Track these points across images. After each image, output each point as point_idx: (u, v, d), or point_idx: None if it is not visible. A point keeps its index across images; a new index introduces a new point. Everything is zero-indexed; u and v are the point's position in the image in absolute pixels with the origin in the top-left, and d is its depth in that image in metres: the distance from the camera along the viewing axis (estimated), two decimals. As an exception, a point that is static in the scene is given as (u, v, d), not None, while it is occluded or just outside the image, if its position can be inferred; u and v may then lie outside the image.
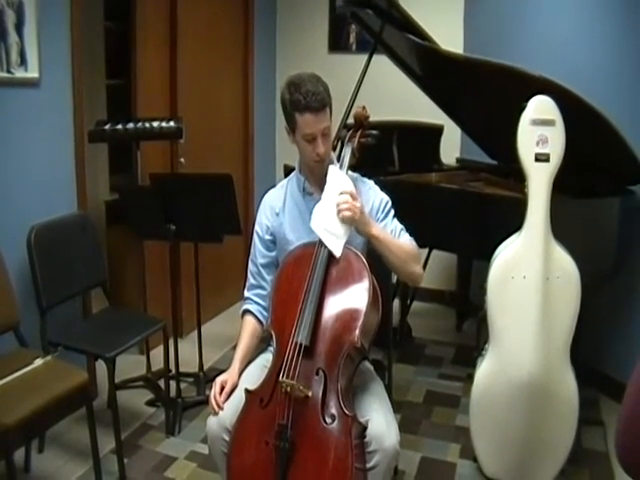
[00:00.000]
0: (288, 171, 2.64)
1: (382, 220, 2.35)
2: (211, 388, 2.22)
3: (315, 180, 2.36)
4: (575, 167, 2.77)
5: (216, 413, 2.15)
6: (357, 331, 2.07)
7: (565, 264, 2.72)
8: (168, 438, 3.28)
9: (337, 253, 2.16)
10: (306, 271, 2.16)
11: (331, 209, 2.18)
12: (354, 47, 5.32)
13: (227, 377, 2.23)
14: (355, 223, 2.17)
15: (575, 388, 2.77)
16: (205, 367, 3.84)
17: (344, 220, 2.16)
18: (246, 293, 2.45)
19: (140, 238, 3.83)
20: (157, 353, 3.63)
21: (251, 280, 2.45)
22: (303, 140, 2.25)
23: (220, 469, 2.19)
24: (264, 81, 5.42)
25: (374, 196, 2.40)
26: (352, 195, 2.18)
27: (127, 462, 2.99)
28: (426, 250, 4.30)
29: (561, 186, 2.75)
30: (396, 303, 4.17)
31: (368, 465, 2.03)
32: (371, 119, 2.43)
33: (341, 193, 2.17)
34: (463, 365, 4.02)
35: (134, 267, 4.08)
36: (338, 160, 2.38)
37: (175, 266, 3.61)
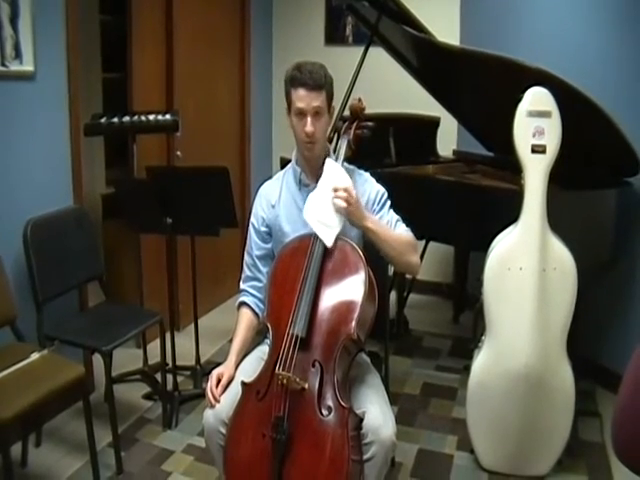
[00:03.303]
0: (284, 164, 2.64)
1: (378, 212, 2.35)
2: (208, 381, 2.22)
3: (311, 172, 2.36)
4: (572, 159, 2.77)
5: (213, 406, 2.15)
6: (353, 323, 2.07)
7: (562, 256, 2.72)
8: (165, 431, 3.29)
9: (329, 243, 2.15)
10: (302, 263, 2.15)
11: (324, 200, 2.17)
12: (350, 39, 5.31)
13: (223, 370, 2.23)
14: (350, 215, 2.17)
15: (571, 379, 2.78)
16: (202, 360, 3.84)
17: (339, 211, 2.16)
18: (242, 285, 2.45)
19: (136, 232, 3.83)
20: (154, 346, 3.63)
21: (247, 272, 2.45)
22: (294, 116, 2.26)
23: (217, 462, 2.19)
24: (261, 74, 5.41)
25: (370, 188, 2.40)
26: (348, 189, 2.18)
27: (124, 455, 3.00)
28: (423, 242, 4.30)
29: (557, 178, 2.75)
30: (393, 295, 4.17)
31: (365, 457, 2.04)
32: (368, 112, 2.44)
33: (336, 188, 2.17)
34: (460, 357, 4.03)
35: (130, 261, 4.07)
36: (334, 152, 2.38)
37: (172, 259, 3.61)
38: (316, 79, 2.21)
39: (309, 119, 2.23)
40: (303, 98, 2.22)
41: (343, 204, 2.14)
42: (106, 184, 4.72)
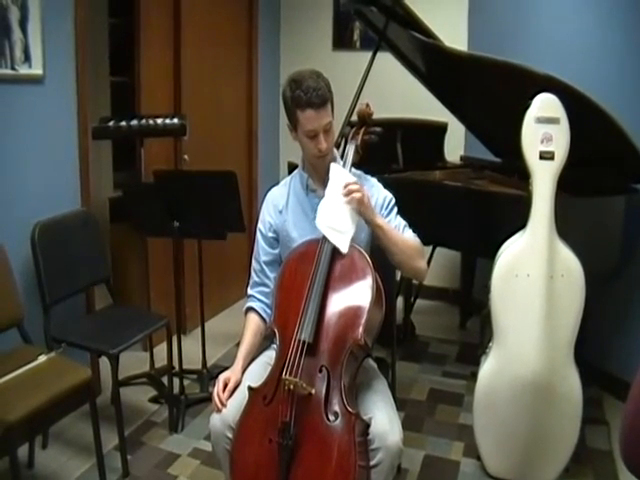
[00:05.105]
0: (292, 168, 2.64)
1: (386, 217, 2.34)
2: (214, 385, 2.22)
3: (318, 177, 2.36)
4: (580, 165, 2.76)
5: (219, 410, 2.14)
6: (360, 328, 2.06)
7: (569, 262, 2.71)
8: (171, 435, 3.29)
9: (344, 249, 2.15)
10: (309, 268, 2.15)
11: (335, 205, 2.17)
12: (358, 44, 5.32)
13: (230, 374, 2.23)
14: (363, 208, 2.17)
15: (579, 387, 2.77)
16: (208, 364, 3.85)
17: (352, 203, 2.15)
18: (249, 291, 2.45)
19: (144, 235, 3.83)
20: (160, 350, 3.63)
21: (254, 278, 2.45)
22: (305, 136, 2.24)
23: (223, 466, 2.19)
24: (268, 78, 5.42)
25: (377, 193, 2.40)
26: (357, 183, 2.19)
27: (130, 459, 3.00)
28: (430, 248, 4.29)
29: (566, 184, 2.74)
30: (400, 301, 4.16)
31: (371, 463, 2.03)
32: (375, 117, 2.43)
33: (347, 183, 2.17)
34: (467, 363, 4.02)
35: (137, 264, 4.08)
36: (342, 157, 2.37)
37: (178, 263, 3.61)
38: (321, 95, 2.18)
39: (321, 137, 2.22)
40: (313, 119, 2.19)
41: (358, 195, 2.14)
42: (114, 187, 4.74)
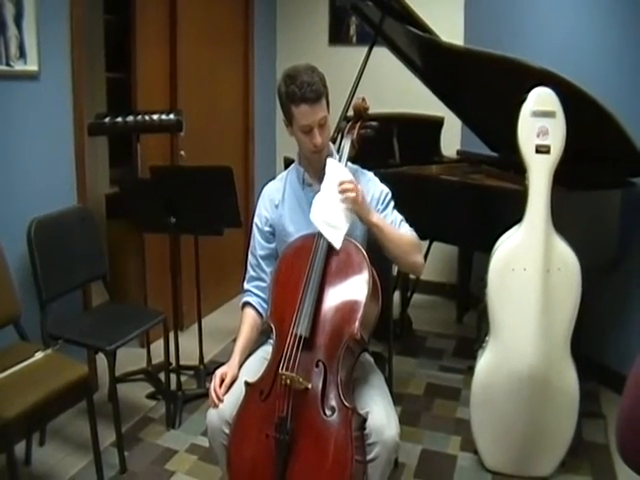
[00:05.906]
0: (288, 163, 2.64)
1: (382, 211, 2.34)
2: (211, 381, 2.22)
3: (314, 171, 2.35)
4: (576, 159, 2.76)
5: (216, 406, 2.14)
6: (357, 323, 2.06)
7: (566, 256, 2.72)
8: (168, 431, 3.29)
9: (337, 245, 2.15)
10: (306, 263, 2.15)
11: (330, 201, 2.17)
12: (354, 39, 5.31)
13: (227, 370, 2.23)
14: (357, 207, 2.17)
15: (575, 380, 2.77)
16: (205, 360, 3.85)
17: (346, 202, 2.15)
18: (246, 285, 2.45)
19: (140, 231, 3.83)
20: (157, 346, 3.63)
21: (251, 272, 2.45)
22: (300, 131, 2.24)
23: (220, 462, 2.19)
24: (264, 74, 5.41)
25: (374, 188, 2.39)
26: (353, 181, 2.18)
27: (128, 455, 3.00)
28: (427, 242, 4.30)
29: (562, 178, 2.74)
30: (396, 295, 4.17)
31: (368, 457, 2.03)
32: (372, 111, 2.43)
33: (342, 181, 2.17)
34: (464, 357, 4.02)
35: (134, 260, 4.08)
36: (338, 152, 2.37)
37: (175, 259, 3.61)
38: (316, 90, 2.17)
39: (316, 131, 2.22)
40: (308, 115, 2.19)
41: (352, 194, 2.14)
42: (110, 184, 4.73)
